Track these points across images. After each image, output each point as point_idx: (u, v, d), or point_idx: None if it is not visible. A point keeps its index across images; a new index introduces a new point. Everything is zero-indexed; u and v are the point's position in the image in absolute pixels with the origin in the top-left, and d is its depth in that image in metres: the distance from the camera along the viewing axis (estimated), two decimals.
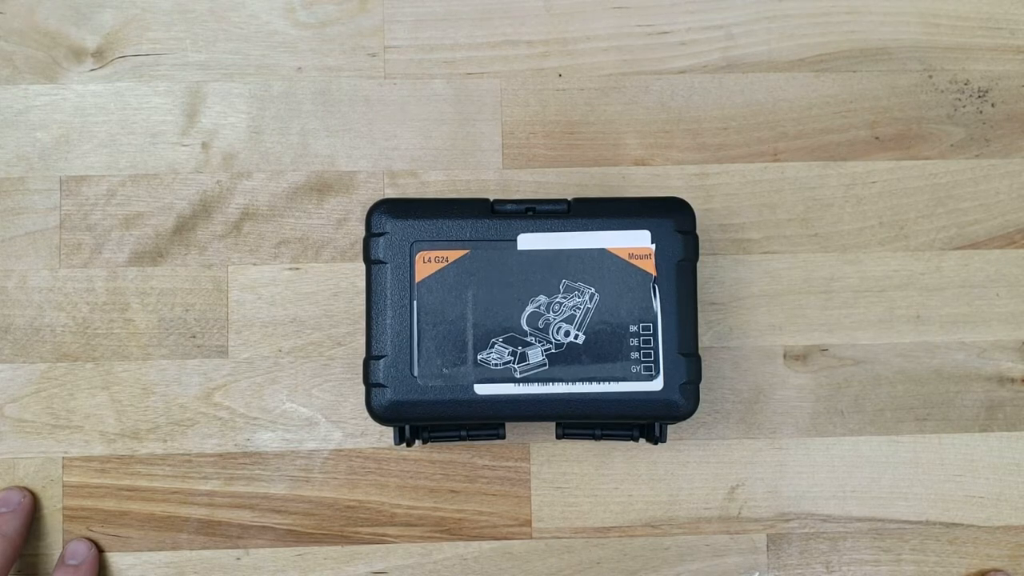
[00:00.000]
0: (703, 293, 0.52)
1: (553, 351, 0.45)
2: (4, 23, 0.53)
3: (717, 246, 0.52)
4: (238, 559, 0.51)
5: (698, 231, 0.48)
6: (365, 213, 0.48)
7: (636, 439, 0.48)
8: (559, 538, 0.51)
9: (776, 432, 0.52)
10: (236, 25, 0.53)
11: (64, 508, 0.50)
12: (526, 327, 0.45)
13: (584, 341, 0.45)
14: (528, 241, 0.46)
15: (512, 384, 0.45)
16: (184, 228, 0.52)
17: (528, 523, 0.51)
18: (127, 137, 0.52)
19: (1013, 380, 0.52)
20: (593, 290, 0.46)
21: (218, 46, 0.53)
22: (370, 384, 0.46)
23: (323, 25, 0.53)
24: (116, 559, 0.50)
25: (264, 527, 0.51)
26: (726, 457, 0.52)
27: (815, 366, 0.52)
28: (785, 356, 0.52)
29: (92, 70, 0.52)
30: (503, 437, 0.47)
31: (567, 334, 0.46)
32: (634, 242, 0.46)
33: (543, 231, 0.46)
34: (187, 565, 0.50)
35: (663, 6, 0.53)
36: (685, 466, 0.52)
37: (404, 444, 0.47)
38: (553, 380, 0.45)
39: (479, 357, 0.45)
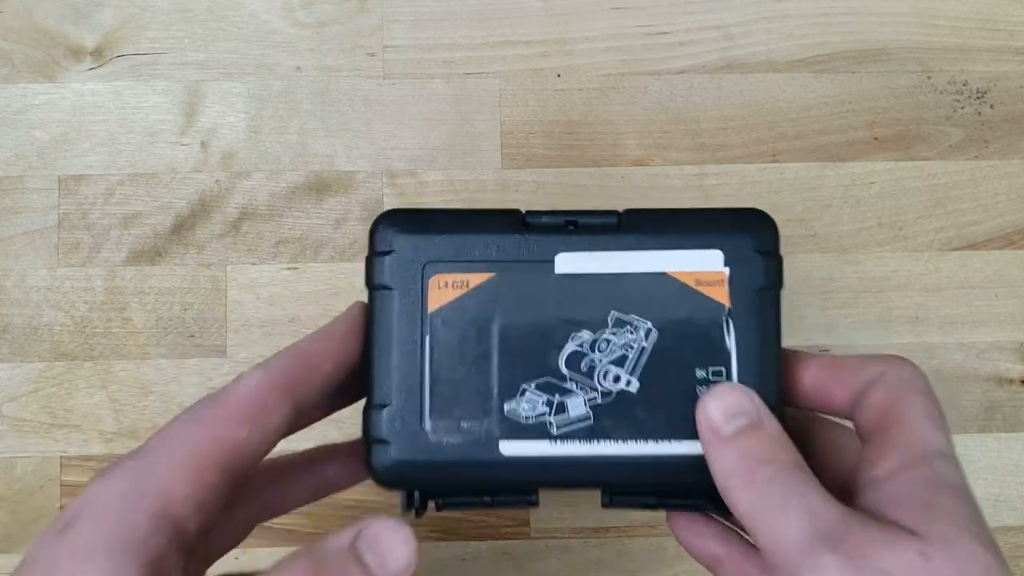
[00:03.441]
0: None
1: (599, 401, 0.37)
2: (2, 22, 0.53)
3: None
4: (236, 559, 0.50)
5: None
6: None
7: (703, 510, 0.39)
8: (557, 538, 0.51)
9: None
10: (235, 24, 0.53)
11: (62, 507, 0.50)
12: (565, 370, 0.37)
13: (639, 389, 0.37)
14: (568, 262, 0.37)
15: (547, 442, 0.37)
16: (183, 227, 0.52)
17: (526, 523, 0.51)
18: (126, 136, 0.52)
19: (1011, 381, 0.52)
20: (650, 324, 0.37)
21: (217, 45, 0.53)
22: (371, 439, 0.37)
23: (322, 25, 0.53)
24: None
25: (262, 527, 0.51)
26: None
27: None
28: None
29: (91, 69, 0.52)
30: (536, 504, 0.38)
31: (617, 379, 0.37)
32: (703, 264, 0.37)
33: (587, 249, 0.37)
34: None
35: (662, 6, 0.54)
36: None
37: (413, 513, 0.38)
38: (599, 437, 0.37)
39: (506, 408, 0.37)
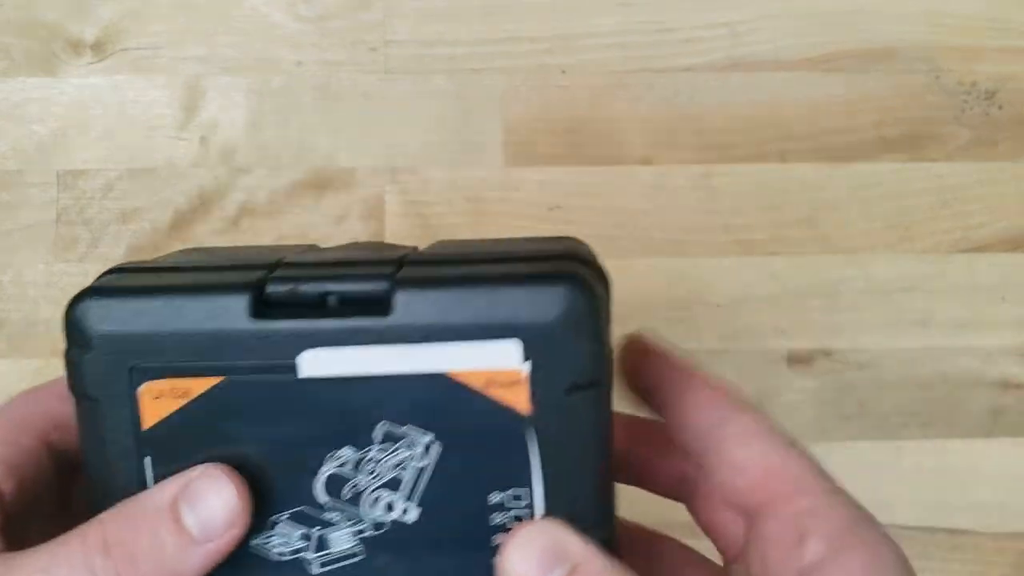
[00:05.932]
0: (704, 295, 0.51)
1: (371, 534, 0.29)
2: (1, 14, 0.52)
3: (721, 248, 0.52)
4: None
5: (615, 309, 0.30)
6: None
7: None
8: None
9: None
10: (236, 18, 0.52)
11: None
12: (324, 498, 0.29)
13: (418, 519, 0.29)
14: (317, 364, 0.28)
15: None
16: (181, 223, 0.51)
17: None
18: (125, 131, 0.52)
19: (1018, 386, 0.52)
20: (430, 438, 0.29)
21: (218, 39, 0.52)
22: None
23: (324, 19, 0.52)
24: None
25: None
26: None
27: (819, 370, 0.51)
28: (789, 360, 0.51)
29: (90, 63, 0.52)
30: None
31: (389, 507, 0.29)
32: (495, 360, 0.28)
33: (343, 343, 0.28)
34: None
35: (668, 3, 0.53)
36: None
37: None
38: None
39: (251, 542, 0.29)
